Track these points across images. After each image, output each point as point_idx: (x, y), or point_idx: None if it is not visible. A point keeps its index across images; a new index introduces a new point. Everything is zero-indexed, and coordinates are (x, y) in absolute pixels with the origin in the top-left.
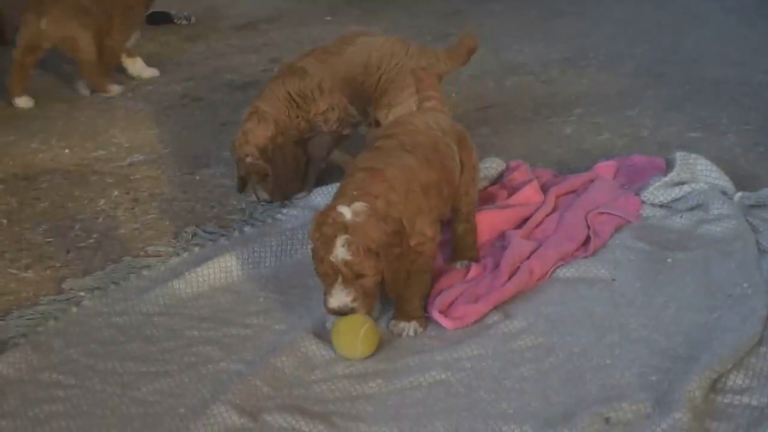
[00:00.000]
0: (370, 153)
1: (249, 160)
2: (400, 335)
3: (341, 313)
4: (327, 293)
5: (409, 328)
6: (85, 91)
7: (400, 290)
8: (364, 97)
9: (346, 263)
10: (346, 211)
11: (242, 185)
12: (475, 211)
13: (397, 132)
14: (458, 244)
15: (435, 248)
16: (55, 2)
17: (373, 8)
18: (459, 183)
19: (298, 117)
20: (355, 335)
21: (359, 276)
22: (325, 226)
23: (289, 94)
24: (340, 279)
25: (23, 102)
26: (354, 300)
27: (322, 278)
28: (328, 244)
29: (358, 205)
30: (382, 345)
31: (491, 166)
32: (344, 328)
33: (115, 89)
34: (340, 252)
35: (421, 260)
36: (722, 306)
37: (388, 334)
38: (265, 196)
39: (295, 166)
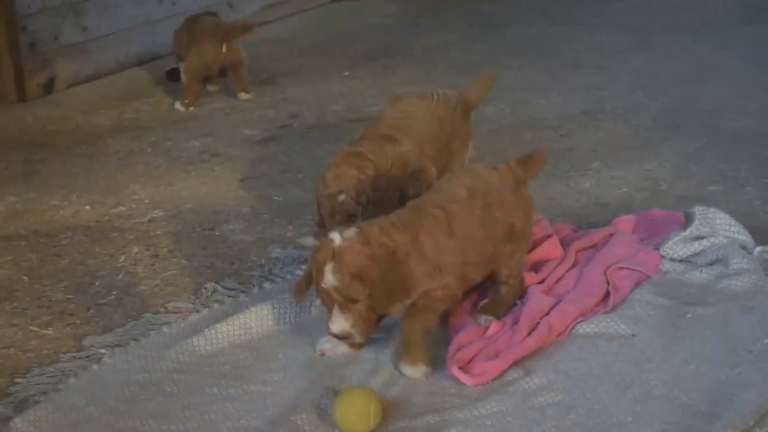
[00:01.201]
0: (407, 212)
1: (342, 198)
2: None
3: (342, 337)
4: (327, 318)
5: (416, 372)
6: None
7: (382, 310)
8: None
9: (335, 289)
10: (336, 238)
11: (322, 226)
12: (521, 276)
13: (441, 202)
14: (495, 301)
15: (453, 300)
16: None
17: (391, 63)
18: (503, 249)
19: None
20: (363, 420)
21: (351, 300)
22: (318, 254)
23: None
24: (336, 306)
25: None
26: (353, 325)
27: (323, 305)
28: (320, 271)
29: (349, 232)
30: (401, 402)
31: None
32: (351, 412)
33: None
34: (329, 279)
35: (433, 303)
36: (743, 362)
37: (406, 390)
38: None
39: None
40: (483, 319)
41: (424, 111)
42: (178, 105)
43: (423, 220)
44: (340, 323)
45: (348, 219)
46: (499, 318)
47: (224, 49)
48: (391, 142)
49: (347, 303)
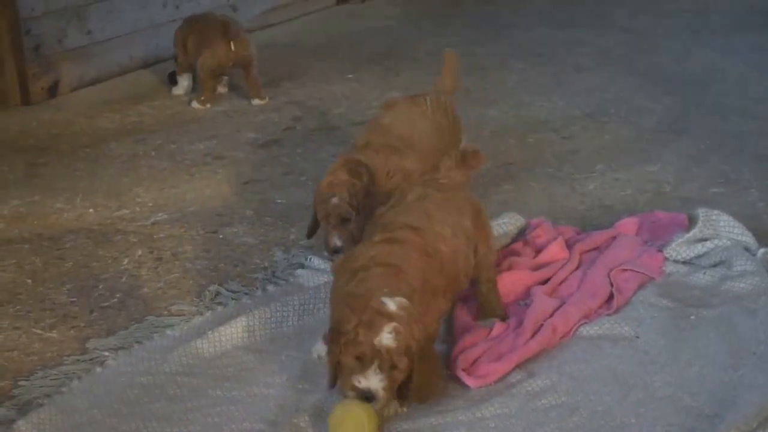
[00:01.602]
0: (389, 246)
1: (334, 201)
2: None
3: (366, 396)
4: (358, 375)
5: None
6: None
7: (425, 396)
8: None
9: (388, 350)
10: (390, 303)
11: (312, 230)
12: (494, 273)
13: (421, 229)
14: (484, 304)
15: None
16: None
17: (394, 66)
18: (476, 261)
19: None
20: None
21: (393, 367)
22: (366, 314)
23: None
24: (376, 363)
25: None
26: (384, 388)
27: (349, 364)
28: (372, 329)
29: (402, 301)
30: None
31: (510, 222)
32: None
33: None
34: (386, 338)
35: (428, 349)
36: (747, 363)
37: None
38: (338, 243)
39: None
40: (488, 322)
41: (423, 119)
42: (195, 104)
43: (424, 265)
44: (374, 382)
45: (341, 223)
46: (502, 318)
47: (233, 47)
48: (397, 154)
49: (389, 368)
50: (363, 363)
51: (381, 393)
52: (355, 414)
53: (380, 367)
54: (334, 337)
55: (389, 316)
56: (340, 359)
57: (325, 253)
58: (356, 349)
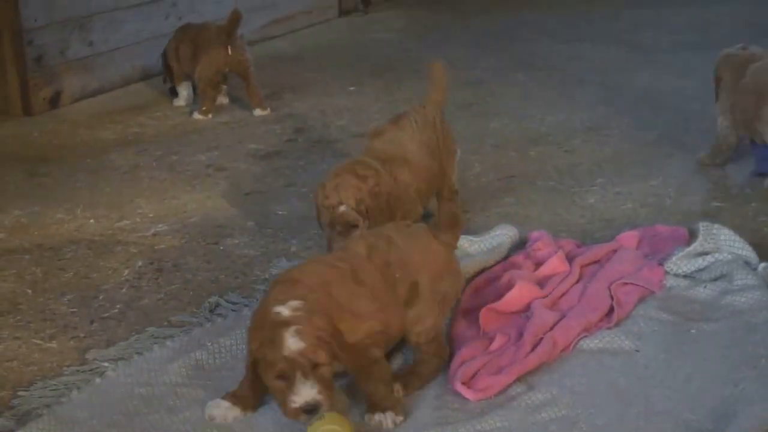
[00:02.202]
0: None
1: (342, 209)
2: (379, 428)
3: (310, 410)
4: (289, 394)
5: (386, 419)
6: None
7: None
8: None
9: (301, 352)
10: (282, 309)
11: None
12: (439, 346)
13: (344, 257)
14: (409, 372)
15: (387, 340)
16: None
17: (395, 78)
18: (406, 312)
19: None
20: None
21: (315, 366)
22: (265, 330)
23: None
24: (299, 374)
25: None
26: (319, 392)
27: (276, 386)
28: (276, 342)
29: (293, 303)
30: (406, 417)
31: (503, 233)
32: None
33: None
34: (292, 342)
35: (368, 352)
36: (747, 378)
37: (409, 405)
38: None
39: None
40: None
41: (411, 141)
42: (196, 115)
43: (330, 274)
44: (306, 392)
45: (349, 229)
46: (406, 390)
47: (230, 51)
48: (396, 166)
49: (312, 369)
50: (288, 379)
51: (320, 398)
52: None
53: (304, 375)
54: (250, 366)
55: (286, 323)
56: (269, 386)
57: None
58: (272, 370)
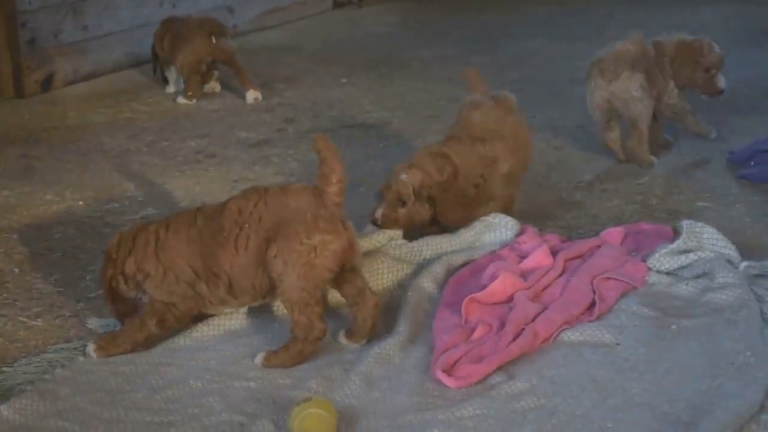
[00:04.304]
0: None
1: (403, 177)
2: None
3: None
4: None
5: None
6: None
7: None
8: None
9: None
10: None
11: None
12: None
13: None
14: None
15: None
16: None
17: (388, 72)
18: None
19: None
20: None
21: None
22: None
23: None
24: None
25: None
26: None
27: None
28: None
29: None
30: (384, 401)
31: (502, 223)
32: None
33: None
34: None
35: None
36: (725, 373)
37: (389, 391)
38: (377, 218)
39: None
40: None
41: (508, 118)
42: (180, 99)
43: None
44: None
45: (397, 202)
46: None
47: (214, 40)
48: (482, 143)
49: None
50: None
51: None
52: (314, 414)
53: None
54: None
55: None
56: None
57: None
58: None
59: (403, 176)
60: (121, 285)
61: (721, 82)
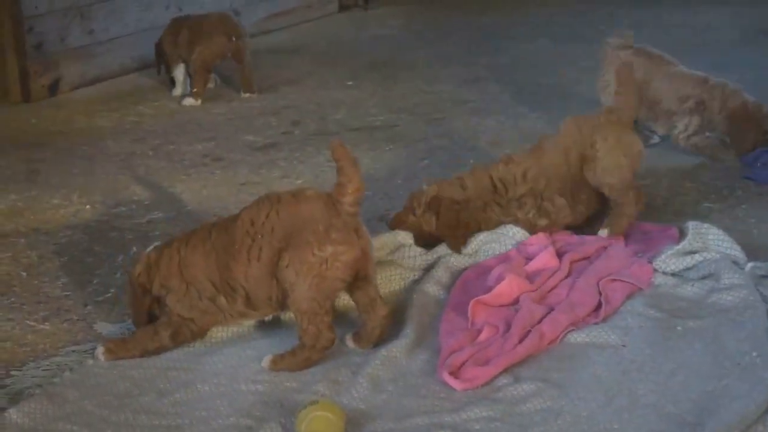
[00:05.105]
0: None
1: (424, 187)
2: None
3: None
4: None
5: None
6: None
7: None
8: (577, 182)
9: None
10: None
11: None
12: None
13: None
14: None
15: None
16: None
17: (393, 73)
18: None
19: (492, 201)
20: None
21: None
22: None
23: (491, 178)
24: None
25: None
26: None
27: None
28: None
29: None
30: (391, 403)
31: (509, 234)
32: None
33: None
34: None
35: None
36: (731, 374)
37: (396, 393)
38: (390, 217)
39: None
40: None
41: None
42: (187, 100)
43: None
44: None
45: (411, 207)
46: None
47: (233, 39)
48: (504, 162)
49: None
50: None
51: None
52: (321, 417)
53: None
54: None
55: None
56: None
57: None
58: None
59: (424, 186)
60: (157, 311)
61: None
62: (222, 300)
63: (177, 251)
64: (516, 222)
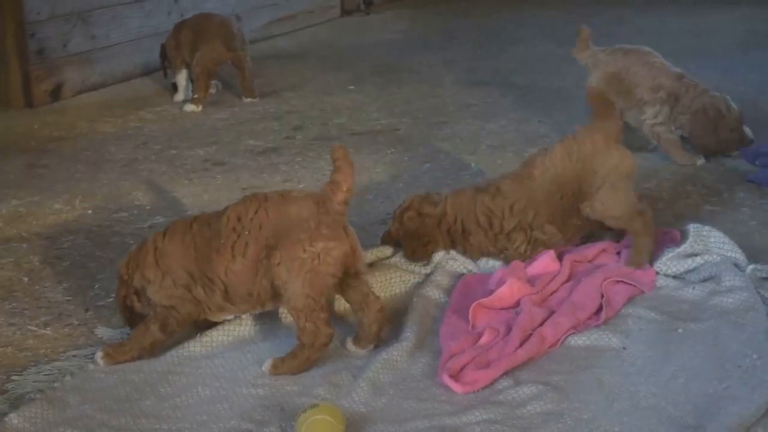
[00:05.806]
0: None
1: (404, 205)
2: None
3: None
4: None
5: None
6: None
7: None
8: (568, 209)
9: None
10: None
11: None
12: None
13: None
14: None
15: None
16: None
17: (395, 78)
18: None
19: (478, 230)
20: None
21: None
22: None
23: (475, 210)
24: None
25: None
26: None
27: None
28: None
29: None
30: (391, 407)
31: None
32: None
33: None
34: None
35: None
36: (731, 376)
37: (397, 396)
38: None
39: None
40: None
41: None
42: (188, 107)
43: None
44: None
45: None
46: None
47: (233, 44)
48: (491, 195)
49: None
50: None
51: None
52: (322, 420)
53: None
54: None
55: None
56: None
57: None
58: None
59: (403, 207)
60: (136, 303)
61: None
62: (199, 291)
63: (154, 243)
64: (506, 256)
